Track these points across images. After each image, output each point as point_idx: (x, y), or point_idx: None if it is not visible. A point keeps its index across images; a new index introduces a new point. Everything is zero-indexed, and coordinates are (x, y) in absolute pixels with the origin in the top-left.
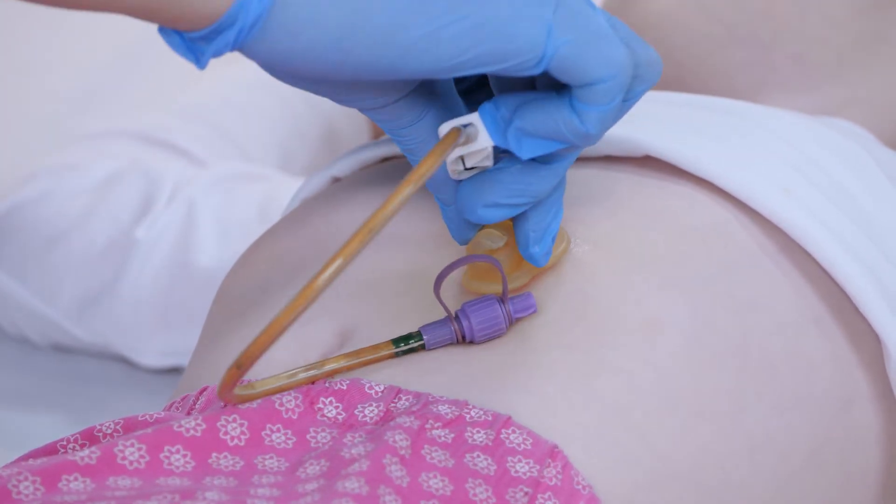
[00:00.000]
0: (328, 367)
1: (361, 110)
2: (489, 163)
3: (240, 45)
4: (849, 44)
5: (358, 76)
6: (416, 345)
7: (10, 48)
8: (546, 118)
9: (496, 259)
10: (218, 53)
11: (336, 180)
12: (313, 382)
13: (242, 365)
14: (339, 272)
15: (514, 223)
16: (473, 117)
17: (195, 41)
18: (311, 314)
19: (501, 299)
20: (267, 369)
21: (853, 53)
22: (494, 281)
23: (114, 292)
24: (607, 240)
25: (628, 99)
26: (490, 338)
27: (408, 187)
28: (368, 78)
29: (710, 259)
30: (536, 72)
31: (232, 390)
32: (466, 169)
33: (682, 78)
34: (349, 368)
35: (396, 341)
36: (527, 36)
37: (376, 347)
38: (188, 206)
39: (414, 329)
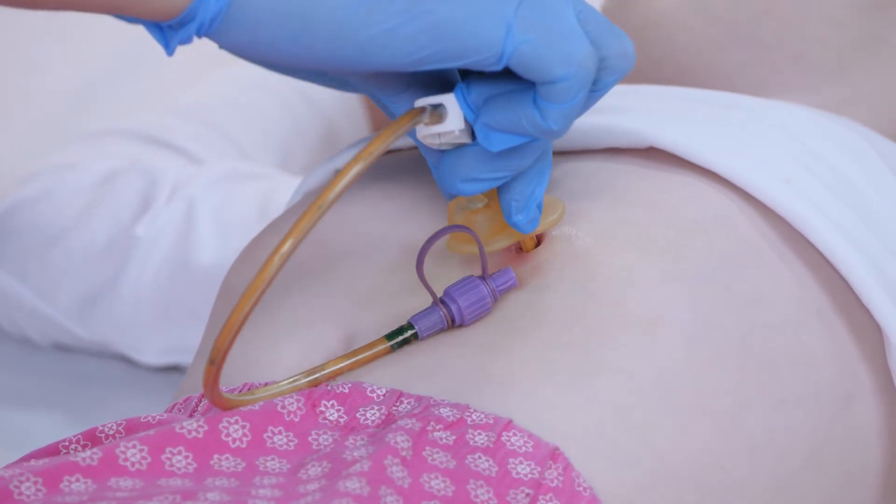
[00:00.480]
0: (328, 369)
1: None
2: (466, 139)
3: (204, 35)
4: (849, 44)
5: (319, 67)
6: (409, 335)
7: (11, 48)
8: (510, 114)
9: (473, 230)
10: (183, 43)
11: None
12: (316, 385)
13: (215, 360)
14: (291, 252)
15: (498, 191)
16: (447, 98)
17: (167, 28)
18: (316, 319)
19: (482, 277)
20: (266, 374)
21: (853, 53)
22: (475, 243)
23: (114, 290)
24: (609, 234)
25: (597, 90)
26: (478, 317)
27: (356, 165)
28: (330, 69)
29: (711, 253)
30: (498, 68)
31: (215, 388)
32: (446, 142)
33: (683, 79)
34: (350, 368)
35: (390, 336)
36: (485, 34)
37: (372, 345)
38: (188, 204)
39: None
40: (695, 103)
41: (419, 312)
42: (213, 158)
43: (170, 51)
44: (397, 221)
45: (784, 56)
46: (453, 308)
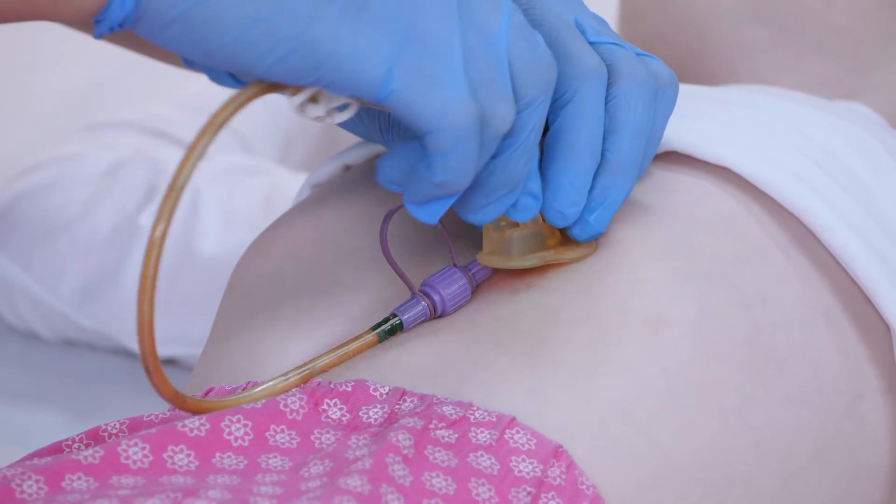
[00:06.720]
0: (318, 363)
1: None
2: (349, 114)
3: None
4: (869, 38)
5: (229, 69)
6: (395, 324)
7: (15, 42)
8: (411, 175)
9: (504, 247)
10: (102, 34)
11: (347, 168)
12: (306, 381)
13: (149, 369)
14: (163, 237)
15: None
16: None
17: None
18: (323, 318)
19: (455, 266)
20: (272, 373)
21: (872, 48)
22: (508, 258)
23: (116, 279)
24: (616, 234)
25: (485, 142)
26: (459, 306)
27: (206, 136)
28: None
29: (719, 253)
30: (383, 106)
31: (173, 395)
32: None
33: (705, 51)
34: (340, 360)
35: (376, 326)
36: (365, 75)
37: (359, 337)
38: (192, 194)
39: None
40: (701, 101)
41: (402, 304)
42: (216, 151)
43: (96, 34)
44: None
45: (805, 44)
46: (436, 298)
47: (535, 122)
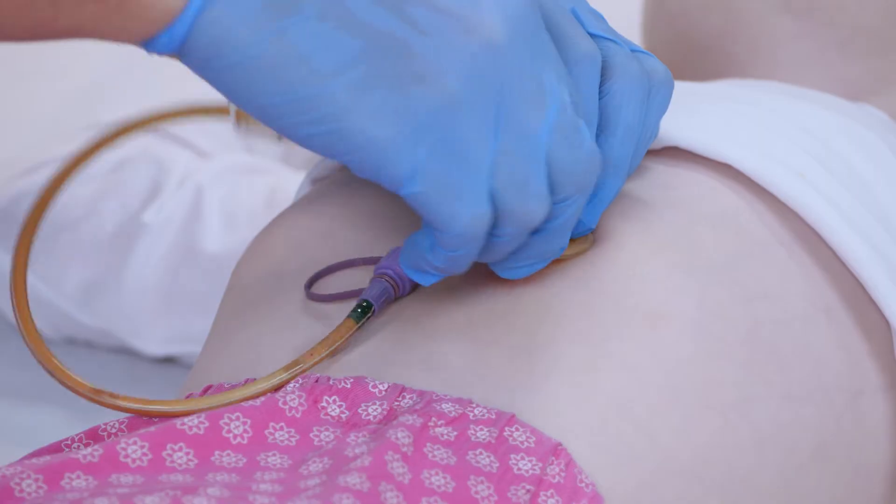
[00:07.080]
0: (309, 361)
1: None
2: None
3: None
4: (895, 39)
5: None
6: (363, 305)
7: (20, 44)
8: (415, 251)
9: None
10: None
11: None
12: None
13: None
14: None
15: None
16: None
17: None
18: (322, 314)
19: (398, 247)
20: (278, 365)
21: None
22: None
23: (119, 277)
24: (616, 229)
25: (498, 237)
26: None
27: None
28: None
29: (720, 249)
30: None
31: (91, 391)
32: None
33: (728, 33)
34: (330, 355)
35: (352, 315)
36: (391, 171)
37: (339, 328)
38: (196, 192)
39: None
40: (701, 97)
41: (366, 289)
42: (220, 151)
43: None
44: (394, 221)
45: (830, 39)
46: (389, 273)
47: (571, 212)
